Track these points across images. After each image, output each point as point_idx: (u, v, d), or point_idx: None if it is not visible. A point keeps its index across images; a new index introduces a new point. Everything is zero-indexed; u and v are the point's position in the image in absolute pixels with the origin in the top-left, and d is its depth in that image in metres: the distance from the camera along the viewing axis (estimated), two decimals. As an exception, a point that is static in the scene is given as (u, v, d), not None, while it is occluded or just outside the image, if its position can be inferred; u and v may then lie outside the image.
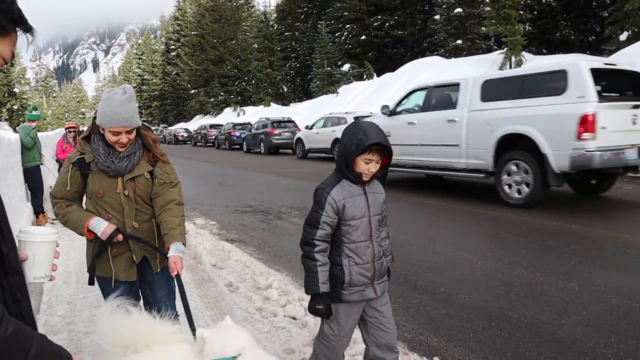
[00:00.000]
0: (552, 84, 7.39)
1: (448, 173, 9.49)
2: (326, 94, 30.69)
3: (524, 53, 19.73)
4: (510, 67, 19.28)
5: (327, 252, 2.45)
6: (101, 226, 2.50)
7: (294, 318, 3.92)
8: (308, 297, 4.22)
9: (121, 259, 2.64)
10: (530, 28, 23.42)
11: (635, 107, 7.19)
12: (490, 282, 4.59)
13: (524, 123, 7.50)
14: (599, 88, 6.99)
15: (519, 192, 7.72)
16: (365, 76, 29.28)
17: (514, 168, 7.76)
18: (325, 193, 2.42)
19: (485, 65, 20.49)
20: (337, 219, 2.42)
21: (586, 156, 6.79)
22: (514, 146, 7.77)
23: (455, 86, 9.04)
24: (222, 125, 31.24)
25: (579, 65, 7.10)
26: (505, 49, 19.71)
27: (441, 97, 9.52)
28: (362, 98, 24.60)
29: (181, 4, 60.78)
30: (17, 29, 1.16)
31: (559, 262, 5.06)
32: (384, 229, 2.65)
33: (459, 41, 24.60)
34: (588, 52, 21.10)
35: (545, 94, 7.40)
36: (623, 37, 18.18)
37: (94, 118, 2.62)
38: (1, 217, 1.14)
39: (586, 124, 6.71)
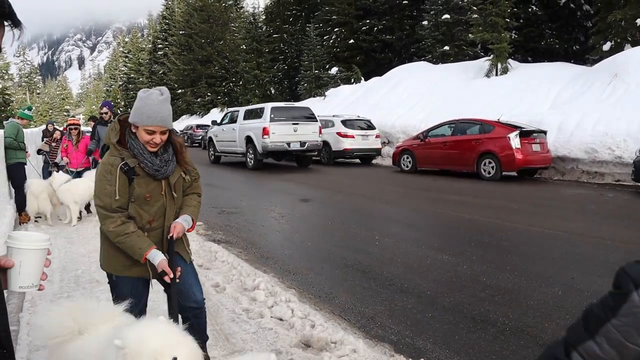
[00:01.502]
0: (259, 113, 15.85)
1: (235, 154, 17.36)
2: (314, 96, 30.70)
3: (509, 60, 19.94)
4: (497, 74, 19.49)
5: None
6: (157, 259, 2.52)
7: (281, 319, 3.92)
8: (295, 298, 4.25)
9: None
10: (516, 36, 23.67)
11: (295, 124, 15.46)
12: (475, 286, 4.64)
13: (251, 129, 15.81)
14: (272, 115, 15.33)
15: (251, 161, 15.96)
16: (352, 80, 29.37)
17: (249, 150, 16.04)
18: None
19: (471, 72, 20.67)
20: None
21: (266, 145, 15.08)
22: (249, 140, 15.89)
23: (237, 112, 17.43)
24: (209, 126, 31.07)
25: (267, 105, 15.87)
26: (492, 56, 19.89)
27: (232, 116, 17.68)
28: (350, 101, 24.68)
29: (169, 3, 60.40)
30: (6, 23, 1.14)
31: (543, 267, 5.13)
32: None
33: (446, 47, 24.79)
34: (572, 61, 21.42)
35: (256, 117, 15.89)
36: (606, 47, 18.48)
37: (120, 120, 2.62)
38: None
39: (265, 131, 15.02)
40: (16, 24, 1.15)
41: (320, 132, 15.89)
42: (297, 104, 19.96)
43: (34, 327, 2.36)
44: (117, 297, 2.64)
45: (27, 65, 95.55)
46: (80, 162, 8.95)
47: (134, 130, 2.54)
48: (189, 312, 2.77)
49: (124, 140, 2.57)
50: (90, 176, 8.02)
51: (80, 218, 8.31)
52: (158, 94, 2.50)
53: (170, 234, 2.62)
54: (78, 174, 8.59)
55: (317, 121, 15.95)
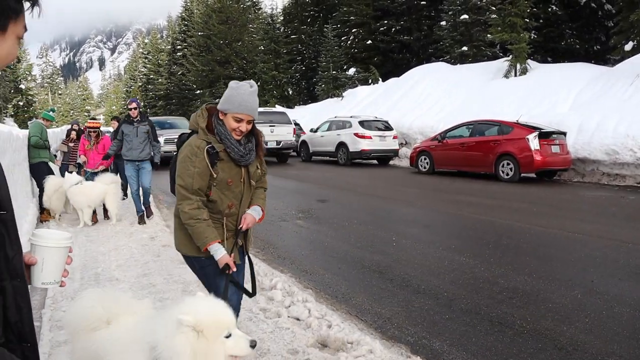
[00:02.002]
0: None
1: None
2: (331, 97, 30.69)
3: (529, 61, 19.70)
4: (515, 75, 19.27)
5: None
6: (220, 254, 2.60)
7: (298, 319, 3.95)
8: (312, 298, 4.27)
9: (230, 242, 2.78)
10: (535, 36, 23.39)
11: (271, 126, 17.52)
12: (492, 288, 4.61)
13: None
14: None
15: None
16: (370, 80, 29.30)
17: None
18: None
19: (490, 72, 20.48)
20: None
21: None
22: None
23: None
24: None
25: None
26: (511, 56, 19.67)
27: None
28: (367, 102, 24.61)
29: (188, 4, 60.89)
30: (26, 4, 1.15)
31: (562, 270, 5.08)
32: None
33: (465, 48, 24.59)
34: (593, 61, 21.10)
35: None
36: (628, 47, 18.16)
37: (207, 109, 2.74)
38: (9, 219, 1.13)
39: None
40: (34, 1, 1.14)
41: (294, 133, 18.47)
42: (274, 109, 22.81)
43: (65, 313, 2.49)
44: (204, 277, 2.84)
45: (50, 67, 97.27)
46: (96, 163, 8.82)
47: (221, 118, 2.66)
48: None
49: (210, 127, 2.67)
50: (104, 180, 8.09)
51: (96, 221, 8.33)
52: (248, 86, 2.64)
53: (241, 226, 2.74)
54: (94, 175, 8.50)
55: (291, 124, 18.71)
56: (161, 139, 15.78)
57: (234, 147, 2.63)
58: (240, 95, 2.60)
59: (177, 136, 13.00)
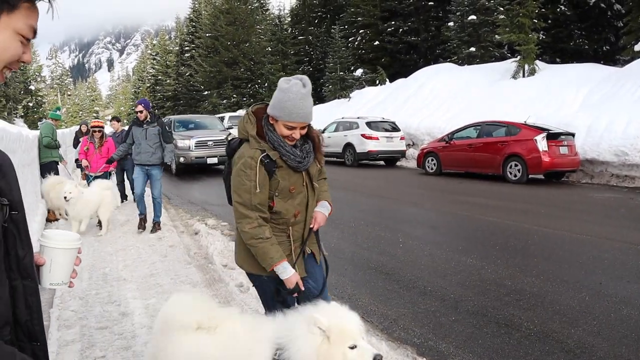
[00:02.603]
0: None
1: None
2: (338, 98, 30.69)
3: (537, 62, 19.58)
4: (524, 76, 19.17)
5: None
6: (287, 273, 2.39)
7: (304, 319, 3.95)
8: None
9: (297, 254, 2.59)
10: (544, 37, 23.25)
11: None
12: (499, 289, 4.59)
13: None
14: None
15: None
16: (377, 81, 29.25)
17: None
18: None
19: (498, 73, 20.38)
20: None
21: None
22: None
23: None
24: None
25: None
26: (519, 57, 19.57)
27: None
28: (375, 103, 24.56)
29: (196, 6, 61.15)
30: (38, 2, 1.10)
31: (570, 272, 5.05)
32: None
33: (472, 48, 24.49)
34: (602, 62, 20.94)
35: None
36: (638, 47, 17.99)
37: (254, 112, 2.52)
38: (21, 219, 1.14)
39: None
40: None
41: None
42: (238, 114, 24.37)
43: (162, 312, 2.39)
44: (263, 295, 2.66)
45: (59, 68, 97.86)
46: (100, 167, 8.36)
47: (271, 122, 2.44)
48: None
49: (261, 133, 2.45)
50: (102, 186, 7.65)
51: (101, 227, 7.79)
52: (300, 85, 2.35)
53: (311, 225, 2.59)
54: (97, 179, 8.06)
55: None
56: (189, 142, 14.95)
57: (290, 154, 2.41)
58: (292, 101, 2.33)
59: (210, 139, 13.99)
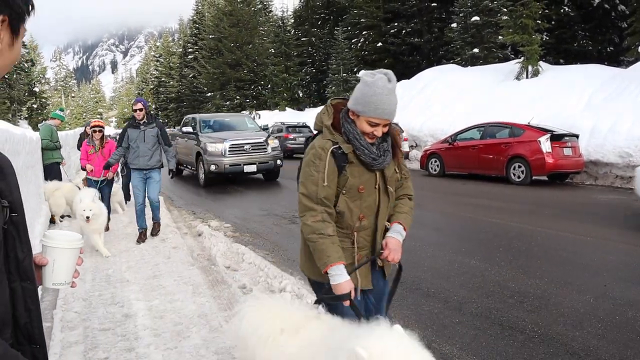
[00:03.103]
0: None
1: None
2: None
3: (541, 63, 19.55)
4: (527, 77, 19.14)
5: None
6: (341, 278, 2.14)
7: (307, 321, 3.94)
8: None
9: (364, 266, 2.34)
10: (547, 38, 23.23)
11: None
12: (503, 292, 4.57)
13: None
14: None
15: None
16: (380, 83, 29.31)
17: None
18: None
19: (501, 74, 20.35)
20: None
21: None
22: None
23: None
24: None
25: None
26: (522, 58, 19.54)
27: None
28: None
29: (200, 7, 61.33)
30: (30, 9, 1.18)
31: (574, 274, 5.02)
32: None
33: (476, 50, 24.46)
34: (606, 63, 20.88)
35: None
36: (642, 48, 18.03)
37: (336, 105, 2.35)
38: (21, 221, 1.14)
39: None
40: (33, 5, 1.17)
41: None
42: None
43: (242, 321, 2.26)
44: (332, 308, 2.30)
45: (63, 70, 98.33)
46: (102, 171, 7.56)
47: (351, 117, 2.25)
48: None
49: (337, 125, 2.28)
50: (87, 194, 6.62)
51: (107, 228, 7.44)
52: (385, 80, 2.16)
53: (385, 255, 2.30)
54: (100, 184, 7.50)
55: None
56: (222, 146, 12.45)
57: (365, 149, 2.20)
58: (377, 96, 2.13)
59: (247, 141, 11.91)
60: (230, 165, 12.38)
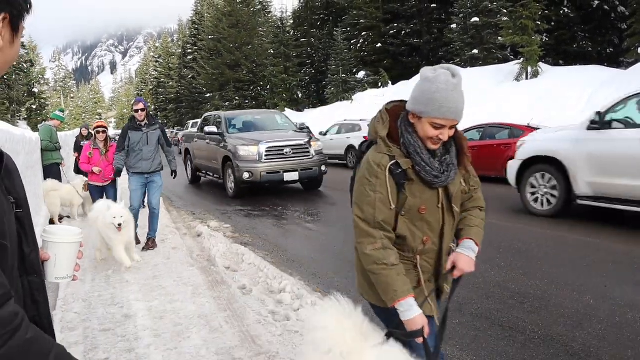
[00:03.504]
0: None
1: None
2: (341, 100, 30.75)
3: (540, 64, 19.60)
4: (527, 78, 19.18)
5: None
6: (412, 313, 1.89)
7: (307, 322, 3.94)
8: (321, 302, 4.25)
9: (427, 288, 2.09)
10: (547, 39, 23.28)
11: None
12: (503, 292, 4.57)
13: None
14: None
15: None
16: (380, 84, 29.31)
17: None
18: None
19: (501, 75, 20.40)
20: None
21: None
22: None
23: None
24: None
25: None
26: (522, 59, 19.58)
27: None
28: (377, 105, 24.57)
29: (199, 8, 61.38)
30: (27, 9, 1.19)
31: (574, 274, 5.02)
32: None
33: (475, 51, 24.50)
34: (605, 64, 20.92)
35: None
36: (642, 49, 18.07)
37: (391, 111, 2.07)
38: (26, 217, 1.16)
39: None
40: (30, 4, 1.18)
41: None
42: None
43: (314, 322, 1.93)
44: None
45: (62, 70, 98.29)
46: (107, 174, 7.04)
47: (412, 121, 1.96)
48: None
49: (395, 134, 1.99)
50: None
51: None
52: (449, 75, 1.87)
53: (452, 272, 2.08)
54: (105, 190, 7.14)
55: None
56: (258, 149, 10.40)
57: (426, 165, 1.92)
58: (441, 92, 1.85)
59: (287, 143, 10.15)
60: (267, 173, 10.33)
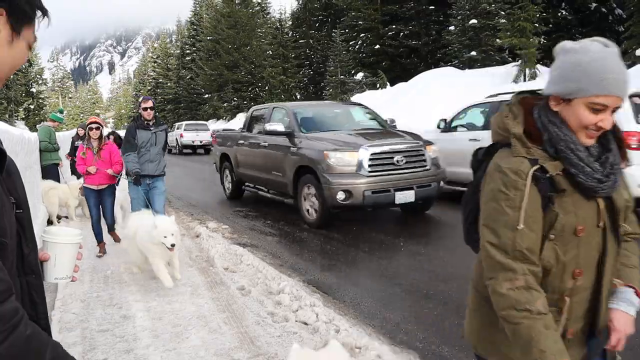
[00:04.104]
0: None
1: None
2: (339, 102, 30.77)
3: (538, 66, 19.64)
4: (525, 80, 19.20)
5: None
6: None
7: (306, 323, 3.94)
8: (319, 303, 4.25)
9: (575, 343, 1.54)
10: (545, 41, 23.30)
11: None
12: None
13: None
14: None
15: None
16: (378, 85, 29.29)
17: None
18: None
19: (499, 77, 20.41)
20: None
21: None
22: None
23: None
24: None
25: None
26: (520, 61, 19.62)
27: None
28: (375, 107, 24.53)
29: (198, 9, 61.34)
30: (38, 13, 1.18)
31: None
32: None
33: (473, 52, 24.53)
34: (604, 67, 20.98)
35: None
36: (639, 52, 18.08)
37: (524, 102, 1.54)
38: (26, 218, 1.16)
39: None
40: (44, 12, 1.18)
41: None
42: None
43: None
44: None
45: (60, 70, 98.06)
46: (103, 177, 6.29)
47: (556, 109, 1.46)
48: None
49: (534, 129, 1.48)
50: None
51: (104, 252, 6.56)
52: (601, 45, 1.40)
53: (615, 344, 1.55)
54: (103, 194, 6.46)
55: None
56: (358, 157, 7.02)
57: (585, 165, 1.41)
58: (599, 60, 1.36)
59: (397, 147, 7.60)
60: (373, 193, 6.94)
